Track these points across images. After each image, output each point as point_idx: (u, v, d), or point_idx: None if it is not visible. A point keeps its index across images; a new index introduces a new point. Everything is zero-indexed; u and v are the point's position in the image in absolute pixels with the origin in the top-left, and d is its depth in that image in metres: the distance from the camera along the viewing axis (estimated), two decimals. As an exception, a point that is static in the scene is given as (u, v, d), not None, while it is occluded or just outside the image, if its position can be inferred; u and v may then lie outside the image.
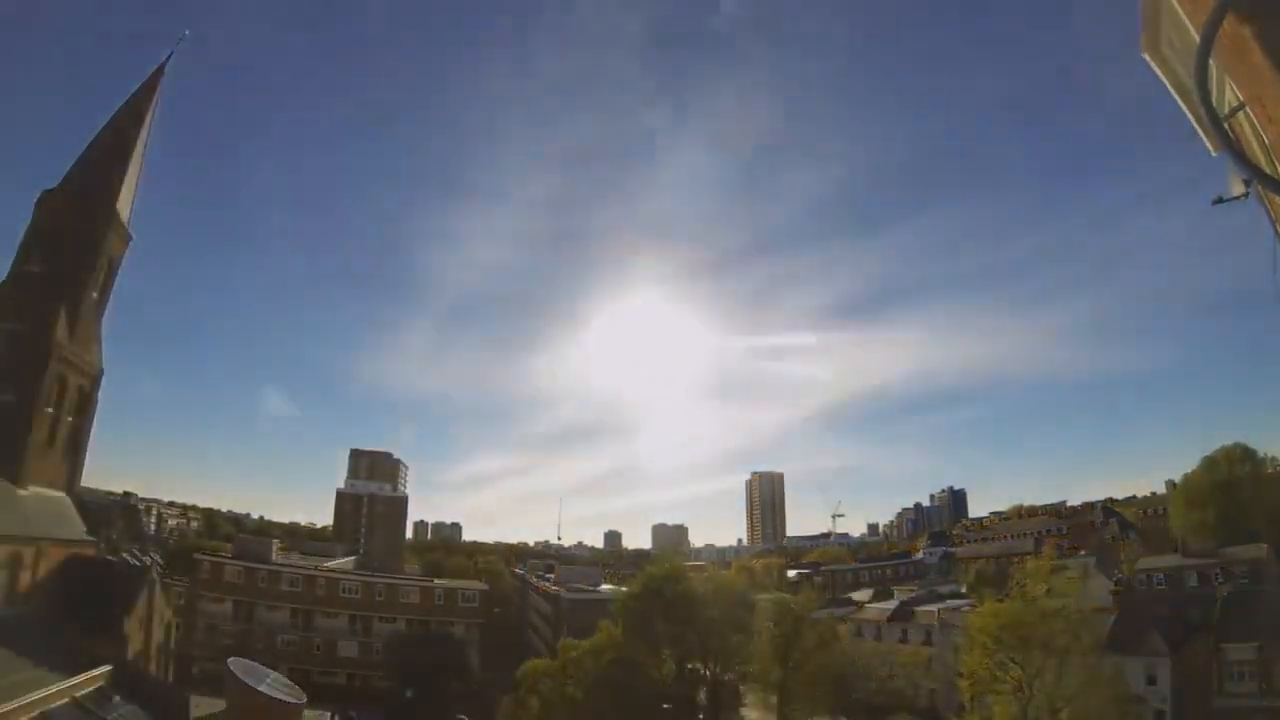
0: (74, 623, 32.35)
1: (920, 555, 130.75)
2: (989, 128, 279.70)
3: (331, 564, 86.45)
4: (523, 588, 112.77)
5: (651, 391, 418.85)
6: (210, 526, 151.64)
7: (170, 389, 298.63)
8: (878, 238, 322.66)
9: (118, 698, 30.81)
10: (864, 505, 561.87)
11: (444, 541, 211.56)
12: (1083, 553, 76.06)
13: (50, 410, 37.32)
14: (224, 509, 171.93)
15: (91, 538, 41.24)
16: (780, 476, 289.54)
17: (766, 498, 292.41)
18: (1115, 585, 55.47)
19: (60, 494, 38.74)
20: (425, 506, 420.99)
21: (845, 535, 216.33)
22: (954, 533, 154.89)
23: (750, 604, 54.67)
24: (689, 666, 51.00)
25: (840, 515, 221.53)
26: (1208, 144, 6.27)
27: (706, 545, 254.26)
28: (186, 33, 50.29)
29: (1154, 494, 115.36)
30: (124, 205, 42.55)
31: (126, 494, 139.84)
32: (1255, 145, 5.57)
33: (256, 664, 42.03)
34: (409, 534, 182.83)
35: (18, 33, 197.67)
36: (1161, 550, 70.84)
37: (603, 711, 44.25)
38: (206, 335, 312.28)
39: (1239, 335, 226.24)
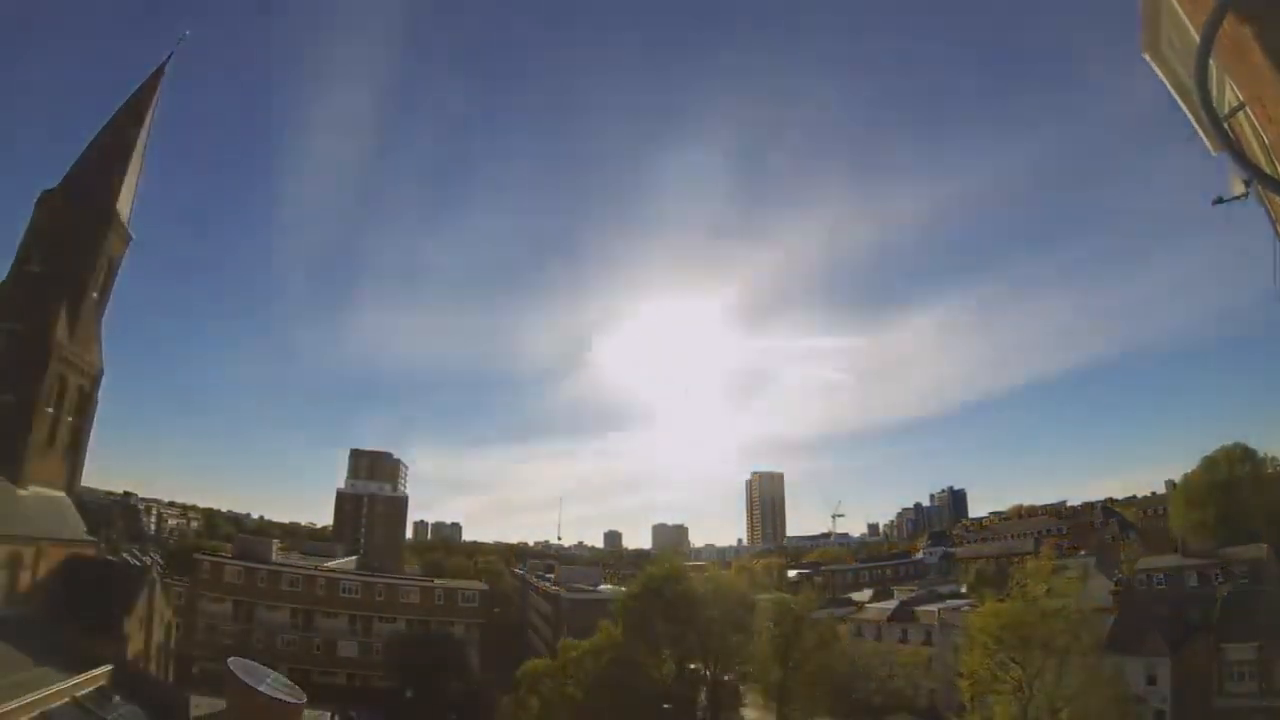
0: (74, 623, 32.36)
1: (920, 555, 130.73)
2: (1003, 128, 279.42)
3: (332, 564, 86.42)
4: (523, 588, 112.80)
5: (652, 391, 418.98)
6: (210, 526, 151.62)
7: (170, 389, 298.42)
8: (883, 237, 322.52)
9: (118, 698, 30.84)
10: (864, 505, 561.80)
11: (444, 541, 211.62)
12: (1083, 553, 76.07)
13: (50, 410, 37.34)
14: (224, 509, 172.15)
15: (91, 538, 41.26)
16: (780, 476, 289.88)
17: (766, 498, 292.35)
18: (1115, 585, 55.47)
19: (60, 494, 38.75)
20: (425, 506, 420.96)
21: (845, 535, 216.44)
22: (954, 533, 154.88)
23: (750, 604, 54.65)
24: (689, 666, 50.99)
25: (840, 515, 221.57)
26: (1207, 144, 6.27)
27: (706, 545, 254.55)
28: (187, 33, 50.32)
29: (1154, 494, 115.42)
30: (124, 205, 42.55)
31: (126, 494, 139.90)
32: (1255, 145, 5.57)
33: (256, 664, 42.02)
34: (409, 534, 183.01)
35: (18, 33, 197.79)
36: (1161, 550, 70.84)
37: (603, 711, 44.25)
38: (206, 335, 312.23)
39: (1239, 335, 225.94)
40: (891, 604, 69.04)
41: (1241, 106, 5.51)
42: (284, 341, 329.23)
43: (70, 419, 39.11)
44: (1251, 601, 45.93)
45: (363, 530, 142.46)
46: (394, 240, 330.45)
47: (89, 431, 41.19)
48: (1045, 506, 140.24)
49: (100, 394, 42.00)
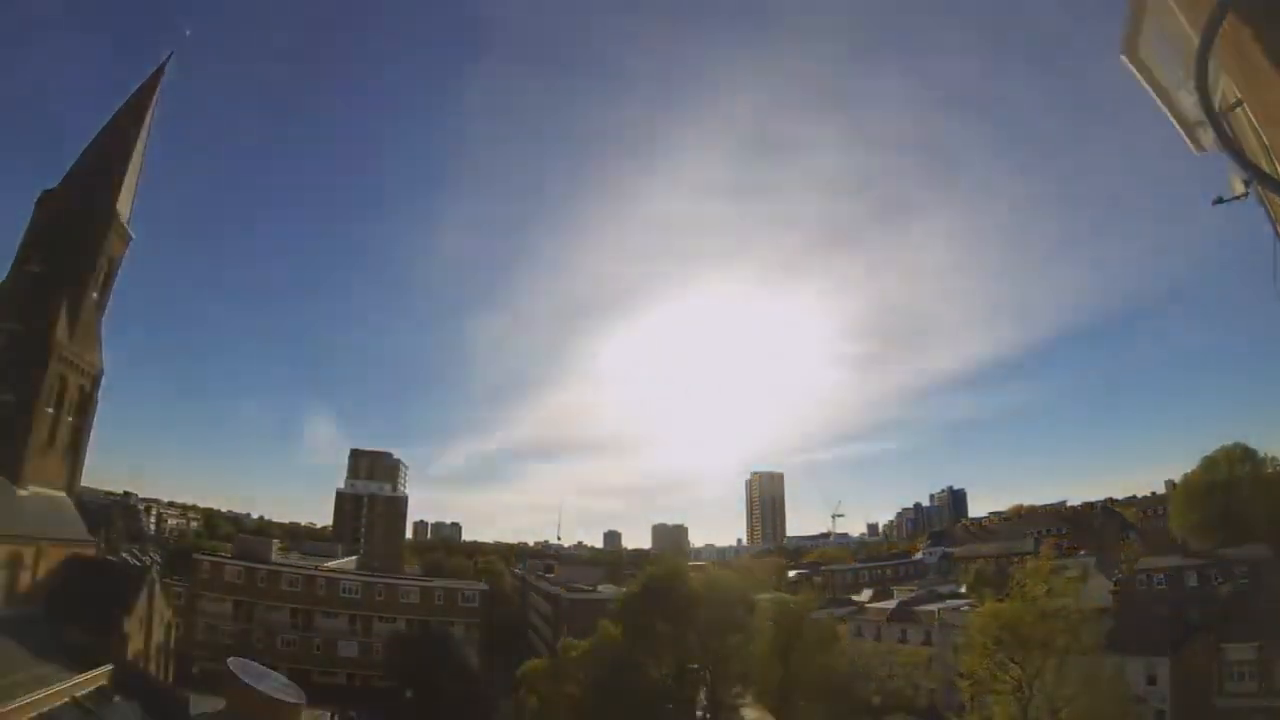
0: (74, 622, 32.37)
1: (920, 555, 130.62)
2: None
3: (332, 564, 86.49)
4: (523, 588, 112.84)
5: (652, 391, 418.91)
6: (210, 526, 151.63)
7: (170, 389, 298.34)
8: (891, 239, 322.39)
9: (118, 697, 30.85)
10: (864, 505, 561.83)
11: (444, 541, 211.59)
12: (1083, 553, 76.03)
13: (50, 410, 37.36)
14: (224, 509, 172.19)
15: (91, 538, 41.28)
16: (780, 476, 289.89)
17: (766, 498, 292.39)
18: (1115, 585, 55.53)
19: (60, 494, 38.77)
20: (425, 506, 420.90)
21: (845, 535, 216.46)
22: (954, 533, 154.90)
23: (750, 604, 54.68)
24: (689, 667, 50.99)
25: (840, 515, 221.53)
26: (1190, 145, 6.29)
27: (706, 545, 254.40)
28: (187, 33, 50.44)
29: (1154, 494, 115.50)
30: (124, 205, 42.57)
31: (126, 494, 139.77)
32: (1255, 144, 5.57)
33: (256, 664, 42.12)
34: (409, 534, 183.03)
35: (18, 33, 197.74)
36: (1161, 550, 70.86)
37: (602, 711, 44.26)
38: (207, 335, 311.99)
39: (1239, 335, 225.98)
40: (891, 604, 69.03)
41: (1238, 105, 5.51)
42: (284, 341, 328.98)
43: (70, 419, 39.13)
44: (1251, 601, 45.97)
45: (363, 530, 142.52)
46: (394, 238, 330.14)
47: (89, 431, 41.23)
48: (1045, 506, 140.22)
49: (100, 394, 42.07)
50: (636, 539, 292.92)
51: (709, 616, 49.79)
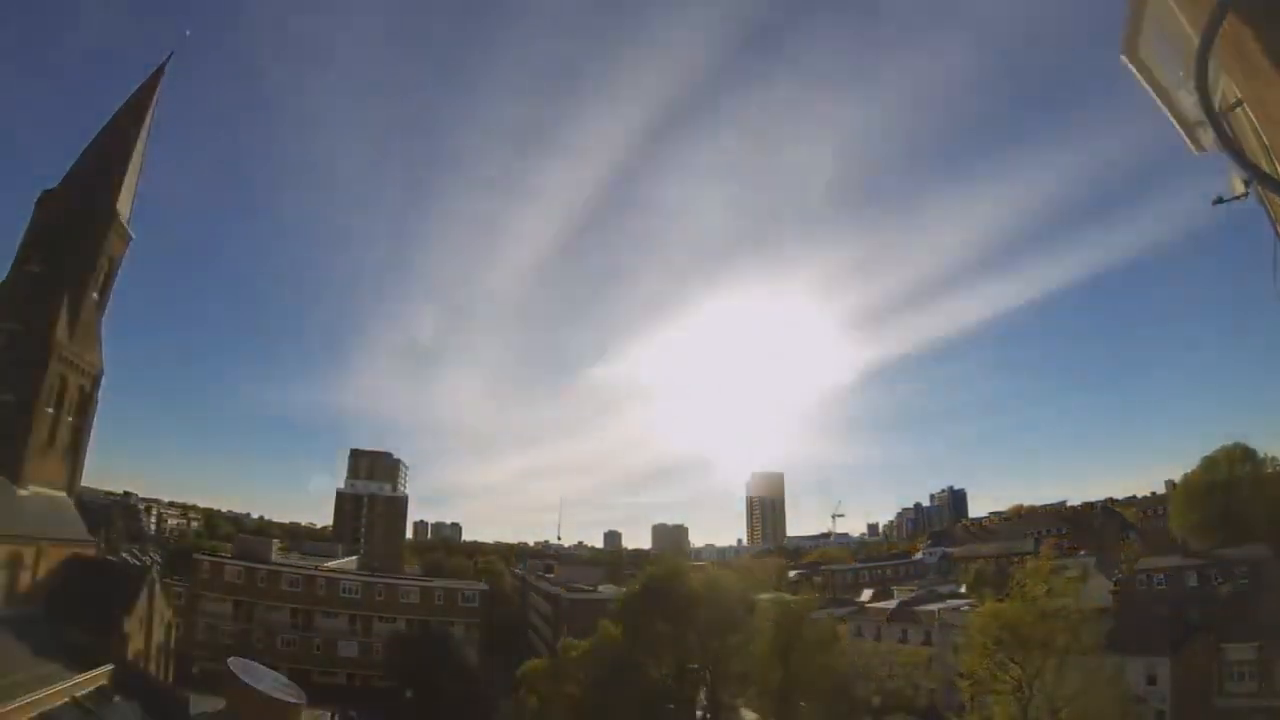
0: (74, 622, 32.39)
1: (920, 555, 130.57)
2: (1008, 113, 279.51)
3: (332, 564, 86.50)
4: (523, 588, 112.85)
5: (652, 390, 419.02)
6: (210, 526, 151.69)
7: (170, 389, 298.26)
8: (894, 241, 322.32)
9: (118, 697, 30.88)
10: (864, 505, 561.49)
11: (444, 541, 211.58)
12: (1083, 553, 76.04)
13: (50, 410, 37.37)
14: (224, 509, 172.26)
15: (92, 538, 41.29)
16: (780, 476, 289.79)
17: (766, 498, 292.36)
18: (1115, 585, 55.50)
19: (61, 494, 38.78)
20: (425, 506, 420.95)
21: (845, 535, 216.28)
22: (954, 533, 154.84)
23: (750, 604, 54.66)
24: (689, 667, 50.99)
25: (840, 515, 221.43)
26: (1190, 145, 6.29)
27: (706, 545, 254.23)
28: (187, 33, 50.42)
29: (1154, 494, 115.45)
30: (124, 205, 42.58)
31: (126, 494, 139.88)
32: (1255, 144, 5.57)
33: (256, 664, 42.15)
34: (409, 534, 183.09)
35: (18, 33, 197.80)
36: (1161, 550, 70.84)
37: (602, 711, 44.26)
38: (207, 335, 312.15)
39: (1239, 335, 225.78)
40: (891, 604, 69.01)
41: (1238, 105, 5.51)
42: (284, 341, 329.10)
43: (70, 419, 39.13)
44: (1251, 601, 45.94)
45: (363, 530, 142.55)
46: (395, 238, 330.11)
47: (89, 431, 41.23)
48: (1045, 506, 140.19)
49: (100, 394, 42.07)
50: (636, 539, 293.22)
51: (709, 616, 49.78)
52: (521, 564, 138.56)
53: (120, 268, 43.43)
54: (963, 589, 72.89)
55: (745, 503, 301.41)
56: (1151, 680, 42.78)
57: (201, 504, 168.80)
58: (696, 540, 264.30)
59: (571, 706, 46.98)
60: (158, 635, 39.74)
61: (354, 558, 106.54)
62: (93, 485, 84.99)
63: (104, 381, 42.17)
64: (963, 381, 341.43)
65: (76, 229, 39.84)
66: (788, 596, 58.67)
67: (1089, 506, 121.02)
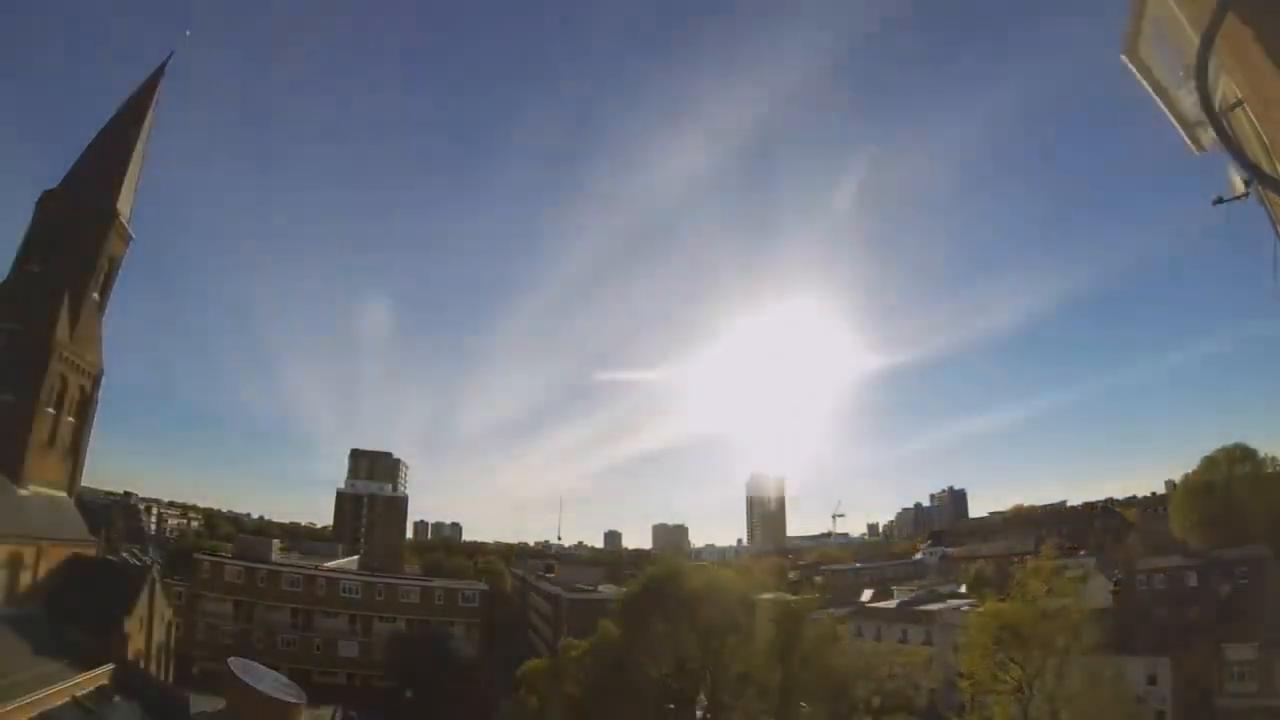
0: (75, 622, 32.40)
1: (920, 555, 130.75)
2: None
3: (332, 564, 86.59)
4: (523, 588, 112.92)
5: (651, 390, 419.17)
6: (210, 526, 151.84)
7: (170, 389, 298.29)
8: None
9: (118, 697, 30.91)
10: (864, 505, 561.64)
11: (444, 541, 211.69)
12: (1083, 553, 76.09)
13: (51, 410, 37.38)
14: (224, 509, 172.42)
15: (92, 538, 41.32)
16: (780, 477, 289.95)
17: (766, 497, 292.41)
18: (1115, 585, 55.52)
19: (61, 494, 38.79)
20: (425, 506, 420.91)
21: (845, 535, 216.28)
22: (954, 532, 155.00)
23: (750, 604, 54.66)
24: (689, 667, 51.01)
25: (840, 515, 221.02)
26: (1190, 145, 6.30)
27: (707, 545, 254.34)
28: (187, 33, 50.43)
29: (1154, 494, 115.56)
30: (124, 205, 42.58)
31: (126, 494, 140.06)
32: (1255, 144, 5.58)
33: (256, 664, 42.19)
34: (409, 534, 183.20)
35: (18, 33, 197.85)
36: (1161, 550, 70.87)
37: (602, 711, 44.29)
38: (207, 335, 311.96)
39: (1239, 335, 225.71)
40: (891, 604, 69.06)
41: (1238, 105, 5.52)
42: (284, 340, 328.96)
43: (70, 419, 39.14)
44: (1251, 601, 45.95)
45: (363, 530, 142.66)
46: (396, 239, 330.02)
47: (89, 431, 41.23)
48: (1045, 506, 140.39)
49: (100, 394, 42.08)
50: (636, 539, 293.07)
51: (709, 616, 49.78)
52: (521, 564, 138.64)
53: (120, 268, 43.48)
54: (963, 589, 72.94)
55: (745, 503, 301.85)
56: (1152, 680, 42.83)
57: (201, 504, 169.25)
58: (697, 540, 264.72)
59: (571, 706, 47.01)
60: (158, 635, 39.76)
61: (354, 558, 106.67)
62: (93, 485, 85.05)
63: (104, 381, 42.22)
64: (963, 382, 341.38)
65: (76, 229, 39.85)
66: (788, 596, 58.70)
67: (1089, 506, 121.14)
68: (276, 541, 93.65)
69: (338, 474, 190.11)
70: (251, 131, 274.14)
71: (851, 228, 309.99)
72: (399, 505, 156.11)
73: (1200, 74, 4.31)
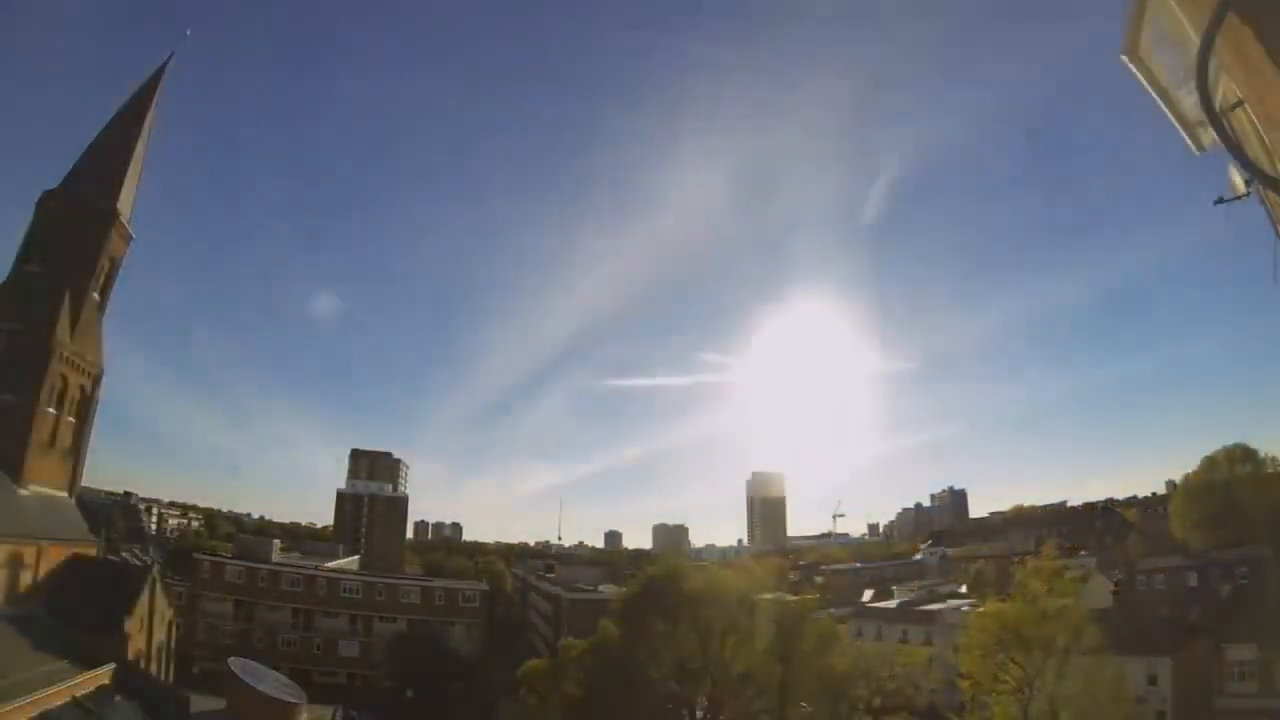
0: (75, 622, 32.42)
1: (920, 555, 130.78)
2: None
3: (332, 564, 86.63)
4: (523, 588, 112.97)
5: (650, 391, 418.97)
6: (210, 526, 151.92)
7: (170, 389, 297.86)
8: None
9: (118, 697, 30.91)
10: (864, 505, 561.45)
11: (444, 541, 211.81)
12: (1083, 553, 76.13)
13: (51, 410, 37.38)
14: (224, 509, 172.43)
15: (93, 537, 41.32)
16: (780, 476, 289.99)
17: (767, 497, 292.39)
18: (1115, 585, 55.52)
19: (61, 494, 38.79)
20: (426, 506, 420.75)
21: (845, 535, 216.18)
22: (954, 532, 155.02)
23: (750, 604, 54.65)
24: (689, 667, 51.01)
25: (840, 515, 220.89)
26: (1191, 145, 6.31)
27: (707, 545, 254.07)
28: (187, 33, 50.38)
29: (1154, 494, 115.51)
30: (125, 205, 42.59)
31: (127, 494, 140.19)
32: (1256, 144, 5.59)
33: (257, 664, 42.26)
34: (409, 534, 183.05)
35: (18, 33, 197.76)
36: (1161, 550, 70.89)
37: (602, 711, 44.29)
38: (208, 335, 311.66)
39: (1239, 335, 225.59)
40: (892, 604, 69.08)
41: (1238, 105, 5.52)
42: (285, 340, 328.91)
43: (71, 419, 39.14)
44: (1251, 601, 45.96)
45: (363, 530, 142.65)
46: (396, 239, 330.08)
47: (89, 431, 41.23)
48: (1045, 506, 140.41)
49: (101, 394, 42.07)
50: (636, 539, 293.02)
51: (709, 616, 49.77)
52: (522, 564, 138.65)
53: (121, 267, 43.49)
54: (963, 589, 72.99)
55: (746, 502, 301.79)
56: (1152, 680, 42.81)
57: (201, 504, 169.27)
58: (697, 540, 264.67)
59: (571, 706, 46.99)
60: (158, 635, 39.77)
61: (355, 558, 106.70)
62: (93, 485, 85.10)
63: (104, 381, 42.22)
64: (963, 382, 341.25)
65: (77, 229, 39.85)
66: (788, 596, 58.62)
67: (1089, 506, 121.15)
68: (277, 542, 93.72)
69: (338, 474, 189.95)
70: (253, 130, 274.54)
71: (851, 228, 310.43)
72: (399, 505, 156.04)
73: (1201, 74, 4.31)
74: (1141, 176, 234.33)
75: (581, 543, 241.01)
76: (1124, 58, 6.07)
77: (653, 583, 52.57)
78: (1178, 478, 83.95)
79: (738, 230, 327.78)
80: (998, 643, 38.27)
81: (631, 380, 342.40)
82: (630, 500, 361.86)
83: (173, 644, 43.62)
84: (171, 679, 41.41)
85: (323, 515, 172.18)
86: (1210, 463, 71.02)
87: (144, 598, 37.30)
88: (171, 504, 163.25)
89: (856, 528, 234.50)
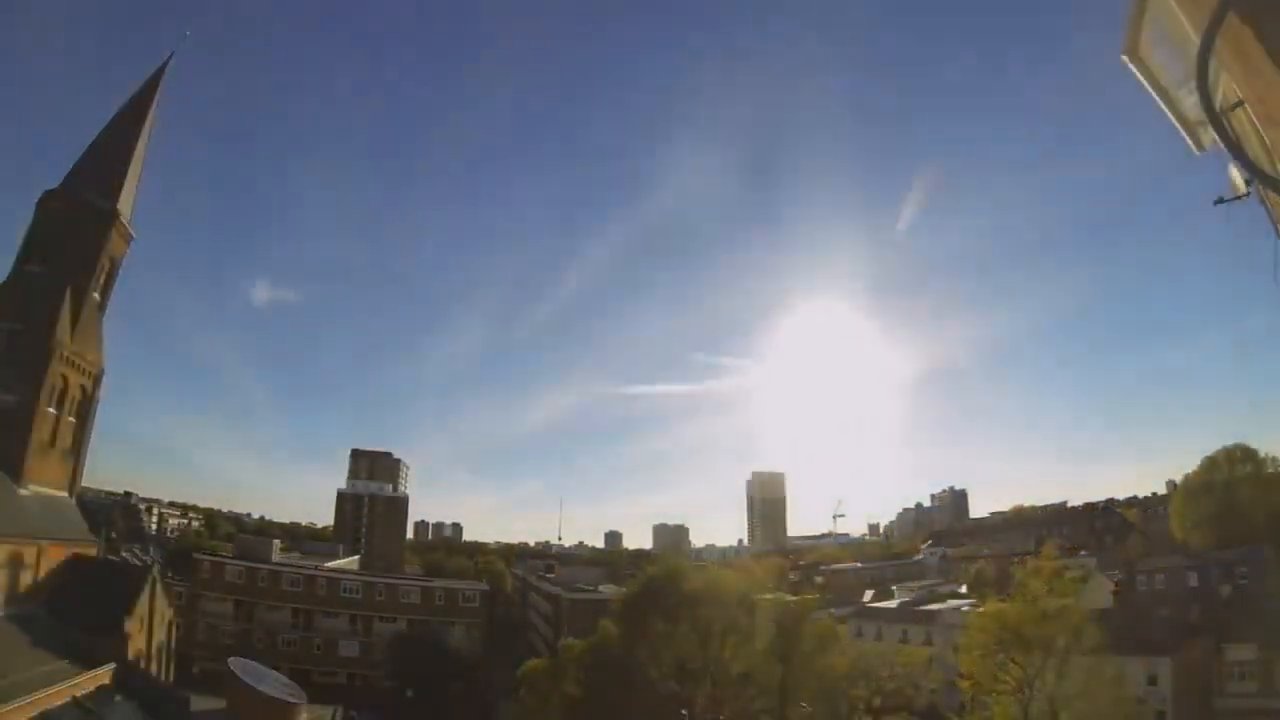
0: (75, 622, 32.42)
1: (920, 555, 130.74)
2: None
3: (333, 564, 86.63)
4: (523, 588, 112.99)
5: (651, 390, 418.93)
6: (210, 526, 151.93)
7: (171, 389, 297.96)
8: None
9: (119, 697, 30.91)
10: (864, 505, 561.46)
11: (445, 541, 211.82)
12: (1083, 553, 76.14)
13: (51, 410, 37.36)
14: (224, 509, 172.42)
15: (93, 537, 41.32)
16: (780, 476, 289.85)
17: (767, 498, 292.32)
18: (1115, 585, 55.50)
19: (62, 494, 38.77)
20: (426, 506, 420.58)
21: (845, 535, 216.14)
22: (954, 532, 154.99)
23: (750, 604, 54.66)
24: (688, 666, 51.02)
25: (840, 515, 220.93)
26: (1191, 145, 6.31)
27: (707, 545, 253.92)
28: (187, 33, 50.36)
29: (1154, 494, 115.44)
30: (125, 205, 42.59)
31: (127, 494, 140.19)
32: (1256, 144, 5.59)
33: (257, 664, 42.24)
34: (410, 534, 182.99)
35: (18, 33, 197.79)
36: (1161, 550, 70.85)
37: (602, 711, 44.31)
38: (207, 335, 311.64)
39: (1240, 335, 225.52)
40: (892, 604, 69.06)
41: (1238, 105, 5.53)
42: (284, 340, 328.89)
43: (71, 419, 39.12)
44: (1251, 601, 45.97)
45: (363, 530, 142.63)
46: (398, 239, 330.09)
47: (89, 431, 41.21)
48: (1045, 506, 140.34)
49: (101, 394, 42.06)
50: (636, 539, 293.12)
51: (709, 616, 49.78)
52: (522, 564, 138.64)
53: (122, 267, 43.49)
54: (963, 589, 72.95)
55: (746, 503, 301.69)
56: (1152, 680, 42.78)
57: (201, 504, 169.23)
58: (697, 540, 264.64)
59: (571, 706, 47.02)
60: (158, 635, 39.76)
61: (355, 558, 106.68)
62: (93, 485, 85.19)
63: (104, 381, 42.21)
64: (963, 381, 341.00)
65: (77, 229, 39.83)
66: (788, 596, 58.64)
67: (1089, 506, 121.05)
68: (277, 542, 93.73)
69: (338, 474, 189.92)
70: (252, 130, 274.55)
71: (850, 228, 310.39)
72: (399, 505, 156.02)
73: (1201, 74, 4.31)
74: (1142, 176, 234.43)
75: (581, 543, 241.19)
76: (1124, 58, 6.07)
77: (653, 583, 52.58)
78: (1178, 478, 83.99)
79: (737, 229, 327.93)
80: (998, 643, 38.26)
81: (636, 388, 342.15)
82: (630, 500, 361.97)
83: (173, 644, 43.61)
84: (171, 679, 41.40)
85: (323, 515, 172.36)
86: (1210, 463, 70.98)
87: (144, 598, 37.31)
88: (171, 504, 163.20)
89: (856, 528, 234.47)
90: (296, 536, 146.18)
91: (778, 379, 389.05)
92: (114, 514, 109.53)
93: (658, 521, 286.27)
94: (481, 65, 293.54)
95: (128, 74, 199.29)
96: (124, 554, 69.38)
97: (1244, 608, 45.92)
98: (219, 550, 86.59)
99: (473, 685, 61.61)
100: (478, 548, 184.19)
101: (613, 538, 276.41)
